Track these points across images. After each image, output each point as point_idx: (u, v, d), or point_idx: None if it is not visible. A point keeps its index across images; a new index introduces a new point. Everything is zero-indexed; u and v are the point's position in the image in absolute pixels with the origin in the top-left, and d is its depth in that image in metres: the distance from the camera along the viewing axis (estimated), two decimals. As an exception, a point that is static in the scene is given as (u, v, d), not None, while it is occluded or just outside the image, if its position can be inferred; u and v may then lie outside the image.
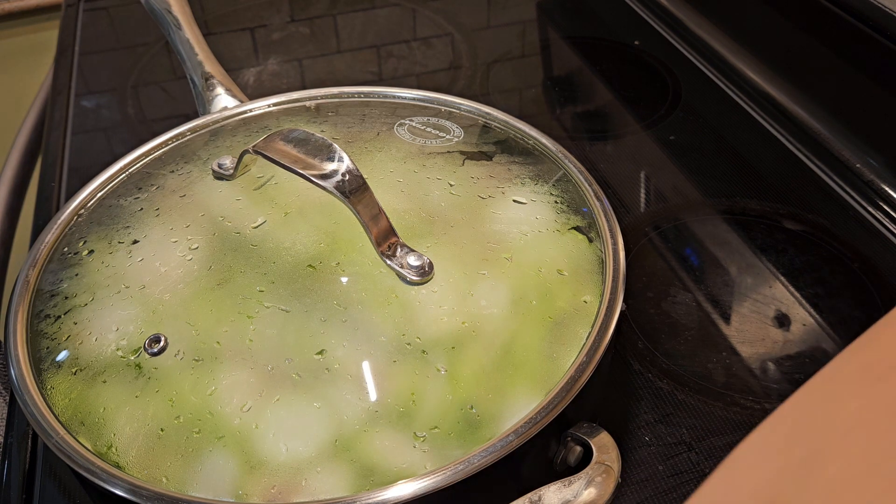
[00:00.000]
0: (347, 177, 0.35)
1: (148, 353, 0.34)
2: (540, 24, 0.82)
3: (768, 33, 0.68)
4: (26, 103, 0.83)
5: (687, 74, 0.70)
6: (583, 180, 0.42)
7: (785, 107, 0.64)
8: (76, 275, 0.38)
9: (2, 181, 0.73)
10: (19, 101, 0.90)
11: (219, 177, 0.41)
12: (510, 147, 0.44)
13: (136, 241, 0.39)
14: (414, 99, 0.48)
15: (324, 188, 0.35)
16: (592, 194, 0.41)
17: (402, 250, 0.35)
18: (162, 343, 0.34)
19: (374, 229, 0.35)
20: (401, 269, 0.35)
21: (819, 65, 0.63)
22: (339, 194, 0.34)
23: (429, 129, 0.44)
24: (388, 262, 0.35)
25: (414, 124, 0.44)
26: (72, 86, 0.74)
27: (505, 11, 0.83)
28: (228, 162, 0.41)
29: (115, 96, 0.73)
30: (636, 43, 0.75)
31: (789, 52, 0.66)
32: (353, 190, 0.35)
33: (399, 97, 0.48)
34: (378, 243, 0.35)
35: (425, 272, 0.35)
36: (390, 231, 0.35)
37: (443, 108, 0.47)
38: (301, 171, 0.35)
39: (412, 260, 0.35)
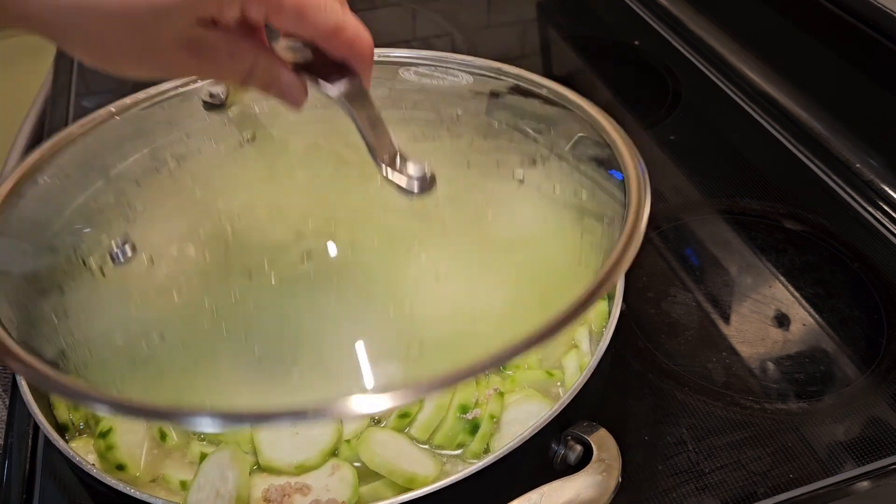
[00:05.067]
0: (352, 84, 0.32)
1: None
2: (540, 24, 0.82)
3: (768, 33, 0.68)
4: (26, 103, 0.83)
5: (687, 74, 0.70)
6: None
7: (785, 107, 0.64)
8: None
9: (2, 181, 0.73)
10: (19, 101, 0.90)
11: (210, 108, 0.40)
12: (555, 119, 0.41)
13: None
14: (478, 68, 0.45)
15: (326, 95, 0.31)
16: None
17: (400, 160, 0.32)
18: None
19: (373, 137, 0.32)
20: (401, 180, 0.32)
21: (819, 65, 0.63)
22: (341, 101, 0.31)
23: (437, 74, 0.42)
24: (388, 171, 0.32)
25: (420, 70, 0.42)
26: (72, 86, 0.74)
27: (505, 11, 0.83)
28: (219, 90, 0.40)
29: (115, 96, 0.73)
30: (636, 43, 0.75)
31: (789, 52, 0.66)
32: (354, 96, 0.31)
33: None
34: (376, 152, 0.32)
35: (426, 184, 0.32)
36: (388, 141, 0.32)
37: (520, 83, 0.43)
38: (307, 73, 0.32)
39: (412, 170, 0.32)
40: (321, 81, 0.30)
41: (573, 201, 0.39)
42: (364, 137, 0.31)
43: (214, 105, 0.40)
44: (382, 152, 0.32)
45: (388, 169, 0.32)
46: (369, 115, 0.31)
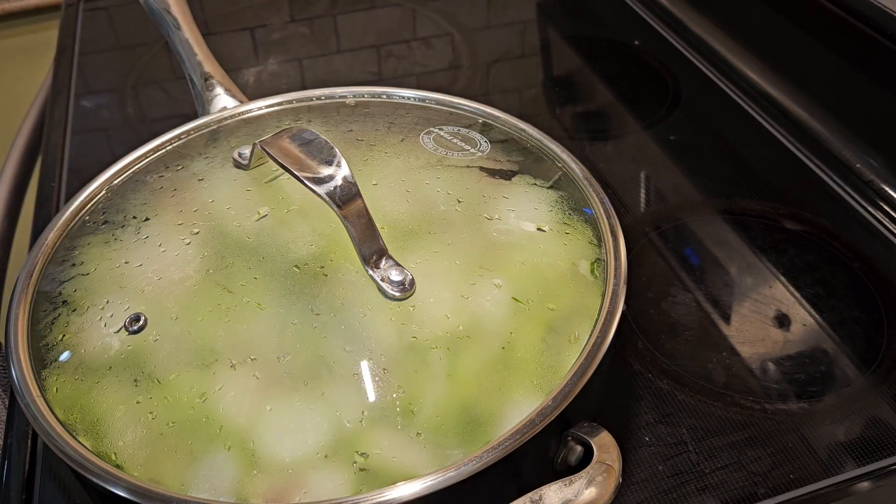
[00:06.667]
0: (341, 184, 0.34)
1: (132, 334, 0.34)
2: (540, 24, 0.82)
3: (768, 33, 0.68)
4: (26, 103, 0.83)
5: (687, 74, 0.70)
6: (593, 193, 0.41)
7: (785, 107, 0.64)
8: (79, 268, 0.38)
9: (2, 181, 0.73)
10: (19, 101, 0.90)
11: (238, 166, 0.41)
12: (531, 168, 0.43)
13: (147, 219, 0.39)
14: (443, 104, 0.47)
15: (315, 192, 0.34)
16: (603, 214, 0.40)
17: (387, 262, 0.35)
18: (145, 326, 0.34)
19: (361, 241, 0.34)
20: (381, 283, 0.34)
21: (819, 65, 0.63)
22: (329, 200, 0.34)
23: (455, 141, 0.43)
24: (371, 272, 0.35)
25: (442, 133, 0.43)
26: (72, 86, 0.74)
27: (505, 11, 0.83)
28: (248, 152, 0.41)
29: (115, 96, 0.73)
30: (636, 43, 0.75)
31: (789, 52, 0.66)
32: (344, 199, 0.34)
33: (404, 97, 0.48)
34: (363, 255, 0.35)
35: (406, 289, 0.34)
36: (377, 244, 0.35)
37: (480, 119, 0.46)
38: (296, 172, 0.35)
39: (395, 275, 0.35)
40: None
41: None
42: (353, 239, 0.34)
43: (242, 165, 0.42)
44: (370, 255, 0.34)
45: (372, 270, 0.34)
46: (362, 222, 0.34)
